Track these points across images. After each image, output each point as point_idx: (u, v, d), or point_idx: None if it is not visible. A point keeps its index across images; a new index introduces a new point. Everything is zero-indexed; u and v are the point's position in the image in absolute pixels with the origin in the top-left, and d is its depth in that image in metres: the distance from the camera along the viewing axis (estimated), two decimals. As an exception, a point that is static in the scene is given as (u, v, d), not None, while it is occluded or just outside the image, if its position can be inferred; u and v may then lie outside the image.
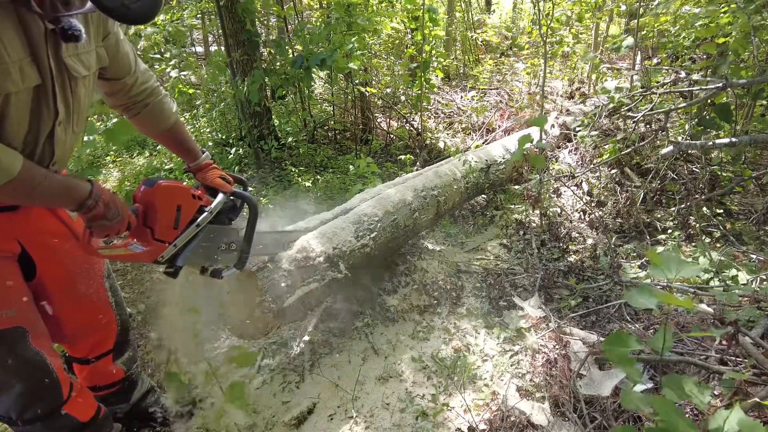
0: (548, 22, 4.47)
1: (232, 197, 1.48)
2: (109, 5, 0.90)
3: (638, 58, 4.78)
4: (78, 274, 1.35)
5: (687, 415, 1.55)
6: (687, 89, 3.32)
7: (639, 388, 1.08)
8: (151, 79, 1.36)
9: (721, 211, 3.12)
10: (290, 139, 4.83)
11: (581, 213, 3.34)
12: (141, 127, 1.44)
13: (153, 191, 1.22)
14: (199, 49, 7.53)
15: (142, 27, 4.29)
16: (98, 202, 1.10)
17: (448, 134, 5.42)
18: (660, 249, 2.85)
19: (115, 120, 2.32)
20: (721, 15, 3.15)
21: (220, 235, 1.45)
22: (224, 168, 4.21)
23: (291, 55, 4.17)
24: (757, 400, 1.02)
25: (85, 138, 3.39)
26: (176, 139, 1.48)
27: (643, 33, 4.87)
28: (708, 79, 3.17)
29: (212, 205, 1.38)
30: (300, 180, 4.13)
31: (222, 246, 1.46)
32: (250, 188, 1.64)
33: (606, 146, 3.73)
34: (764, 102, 3.65)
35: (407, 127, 5.28)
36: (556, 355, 2.00)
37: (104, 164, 4.94)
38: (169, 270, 1.35)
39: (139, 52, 4.59)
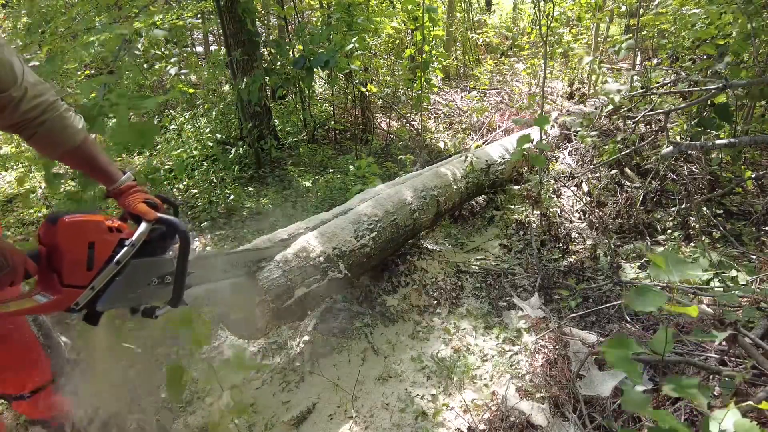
0: (548, 22, 4.47)
1: (158, 224, 1.27)
2: None
3: (638, 58, 4.78)
4: None
5: (686, 416, 1.55)
6: (687, 90, 3.32)
7: (639, 388, 1.07)
8: (46, 92, 1.18)
9: (721, 211, 3.12)
10: (290, 139, 4.84)
11: (581, 213, 3.35)
12: (42, 149, 1.24)
13: (55, 229, 1.05)
14: (200, 48, 7.54)
15: (143, 25, 4.29)
16: None
17: (448, 134, 5.43)
18: (659, 249, 2.85)
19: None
20: (722, 15, 3.16)
21: (150, 268, 1.27)
22: (223, 168, 4.24)
23: (291, 55, 4.17)
24: (752, 403, 1.02)
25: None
26: (87, 160, 1.27)
27: (643, 33, 4.87)
28: (708, 79, 3.18)
29: (134, 237, 1.19)
30: (300, 180, 4.14)
31: (154, 281, 1.28)
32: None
33: (606, 146, 3.73)
34: (764, 102, 3.65)
35: (407, 127, 5.28)
36: (555, 356, 2.00)
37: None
38: (88, 317, 1.17)
39: (139, 51, 4.60)
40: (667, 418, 0.92)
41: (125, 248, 1.17)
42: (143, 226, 1.22)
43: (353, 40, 3.74)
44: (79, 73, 5.11)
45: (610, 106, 3.74)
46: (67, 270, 1.08)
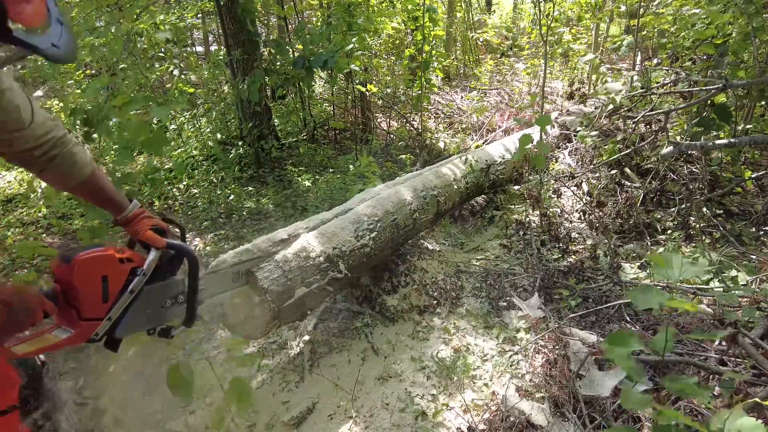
0: (548, 22, 4.47)
1: (167, 250, 1.33)
2: (42, 47, 0.86)
3: (638, 58, 4.78)
4: None
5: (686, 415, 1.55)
6: (687, 90, 3.32)
7: (639, 388, 1.07)
8: (54, 129, 1.20)
9: (721, 211, 3.12)
10: (290, 139, 4.84)
11: (581, 213, 3.34)
12: (52, 183, 1.28)
13: (70, 269, 1.11)
14: (200, 48, 7.54)
15: (144, 26, 4.29)
16: None
17: (448, 134, 5.43)
18: (660, 249, 2.85)
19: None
20: (721, 14, 3.16)
21: (162, 292, 1.33)
22: (223, 168, 4.24)
23: (291, 56, 4.17)
24: (758, 400, 1.02)
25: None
26: (95, 192, 1.32)
27: (643, 33, 4.87)
28: (708, 79, 3.18)
29: (145, 266, 1.26)
30: (300, 180, 4.14)
31: (167, 303, 1.34)
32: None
33: (606, 146, 3.73)
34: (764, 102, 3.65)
35: (407, 127, 5.28)
36: (555, 356, 1.99)
37: (105, 164, 4.94)
38: (108, 344, 1.23)
39: (140, 52, 4.60)
40: (669, 414, 0.91)
41: (137, 277, 1.23)
42: (152, 253, 1.29)
43: (353, 40, 3.74)
44: (78, 72, 5.10)
45: (611, 106, 3.74)
46: (84, 305, 1.14)
